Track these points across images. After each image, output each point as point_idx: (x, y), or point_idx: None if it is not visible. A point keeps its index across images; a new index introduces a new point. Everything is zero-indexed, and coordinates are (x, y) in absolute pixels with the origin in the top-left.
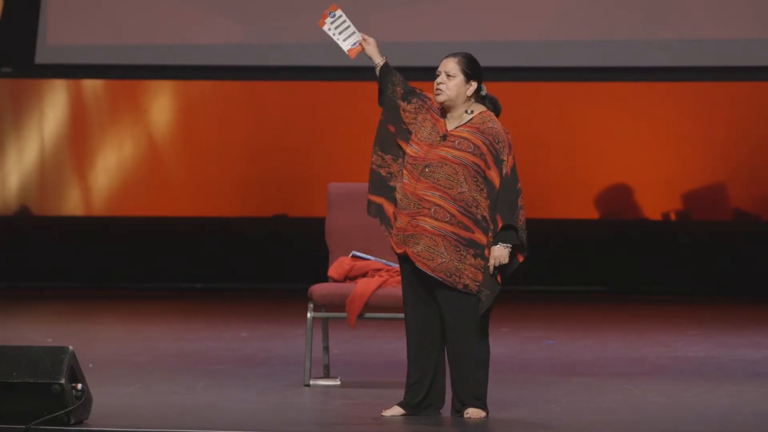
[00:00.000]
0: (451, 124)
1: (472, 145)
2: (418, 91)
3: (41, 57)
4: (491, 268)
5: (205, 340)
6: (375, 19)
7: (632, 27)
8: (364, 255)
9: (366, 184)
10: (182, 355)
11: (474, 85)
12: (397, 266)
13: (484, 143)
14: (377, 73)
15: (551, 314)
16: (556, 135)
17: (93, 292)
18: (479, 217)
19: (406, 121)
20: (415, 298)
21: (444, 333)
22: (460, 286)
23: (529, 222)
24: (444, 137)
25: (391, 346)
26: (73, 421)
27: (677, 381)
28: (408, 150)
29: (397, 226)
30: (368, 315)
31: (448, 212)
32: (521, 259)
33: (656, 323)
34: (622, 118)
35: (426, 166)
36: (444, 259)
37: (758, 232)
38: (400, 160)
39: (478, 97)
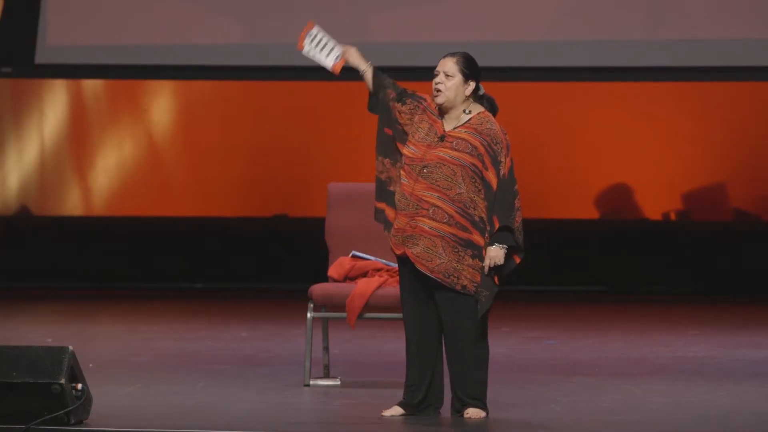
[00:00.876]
0: (448, 125)
1: (470, 146)
2: (410, 92)
3: (41, 57)
4: (486, 268)
5: (205, 340)
6: (375, 19)
7: (632, 27)
8: (364, 255)
9: (367, 185)
10: (182, 355)
11: (472, 84)
12: (397, 266)
13: (482, 144)
14: (366, 79)
15: (551, 314)
16: (556, 135)
17: (93, 292)
18: (477, 218)
19: (402, 122)
20: (414, 299)
21: (442, 333)
22: (458, 287)
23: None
24: (442, 138)
25: (391, 346)
26: (73, 421)
27: (677, 381)
28: (405, 151)
29: (396, 227)
30: (368, 315)
31: (447, 213)
32: (518, 260)
33: (656, 323)
34: (622, 118)
35: (424, 167)
36: (442, 260)
37: (758, 232)
38: (398, 164)
39: (476, 96)
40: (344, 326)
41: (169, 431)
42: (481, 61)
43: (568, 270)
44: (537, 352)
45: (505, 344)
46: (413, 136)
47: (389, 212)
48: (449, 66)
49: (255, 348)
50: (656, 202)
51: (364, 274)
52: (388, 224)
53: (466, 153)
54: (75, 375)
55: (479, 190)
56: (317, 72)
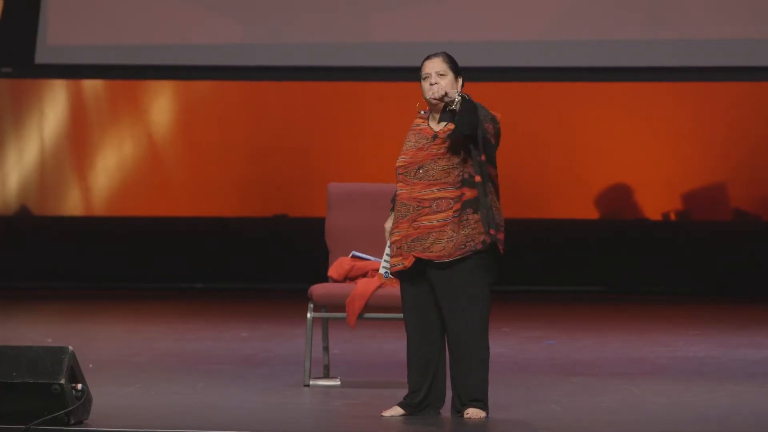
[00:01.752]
0: (438, 125)
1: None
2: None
3: (41, 57)
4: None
5: (205, 340)
6: (375, 19)
7: (632, 27)
8: (364, 255)
9: (367, 185)
10: (182, 355)
11: (461, 80)
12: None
13: None
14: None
15: (551, 314)
16: (556, 135)
17: (93, 292)
18: (466, 176)
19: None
20: (414, 300)
21: (443, 333)
22: (480, 246)
23: (530, 222)
24: (434, 137)
25: (391, 346)
26: (73, 421)
27: (677, 381)
28: (397, 163)
29: (396, 238)
30: (368, 315)
31: (450, 199)
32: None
33: (656, 323)
34: (622, 118)
35: (420, 168)
36: (454, 240)
37: (758, 232)
38: None
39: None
40: (344, 326)
41: (169, 431)
42: (481, 61)
43: (568, 270)
44: (537, 352)
45: (505, 344)
46: (404, 148)
47: None
48: (439, 65)
49: (255, 348)
50: (656, 202)
51: (364, 275)
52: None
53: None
54: (75, 375)
55: (461, 154)
56: (317, 72)
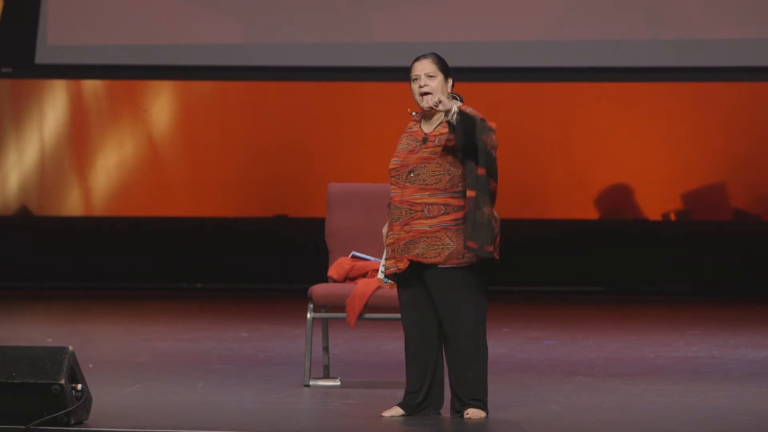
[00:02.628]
0: (429, 127)
1: (449, 136)
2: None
3: (41, 57)
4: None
5: (205, 340)
6: (375, 19)
7: (632, 27)
8: (364, 255)
9: (367, 185)
10: (182, 355)
11: (450, 81)
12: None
13: None
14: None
15: (551, 314)
16: (556, 135)
17: (93, 292)
18: (460, 188)
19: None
20: (411, 302)
21: (441, 334)
22: (476, 260)
23: (530, 222)
24: (425, 140)
25: (391, 346)
26: (73, 422)
27: (677, 381)
28: (390, 166)
29: (390, 241)
30: (368, 315)
31: (442, 205)
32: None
33: (656, 323)
34: (622, 118)
35: (410, 171)
36: (452, 248)
37: (758, 232)
38: None
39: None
40: (344, 326)
41: (169, 431)
42: (482, 62)
43: (568, 270)
44: (537, 352)
45: (505, 344)
46: (397, 151)
47: None
48: (428, 67)
49: (255, 348)
50: (656, 202)
51: (364, 275)
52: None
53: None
54: (75, 375)
55: (458, 166)
56: (317, 72)
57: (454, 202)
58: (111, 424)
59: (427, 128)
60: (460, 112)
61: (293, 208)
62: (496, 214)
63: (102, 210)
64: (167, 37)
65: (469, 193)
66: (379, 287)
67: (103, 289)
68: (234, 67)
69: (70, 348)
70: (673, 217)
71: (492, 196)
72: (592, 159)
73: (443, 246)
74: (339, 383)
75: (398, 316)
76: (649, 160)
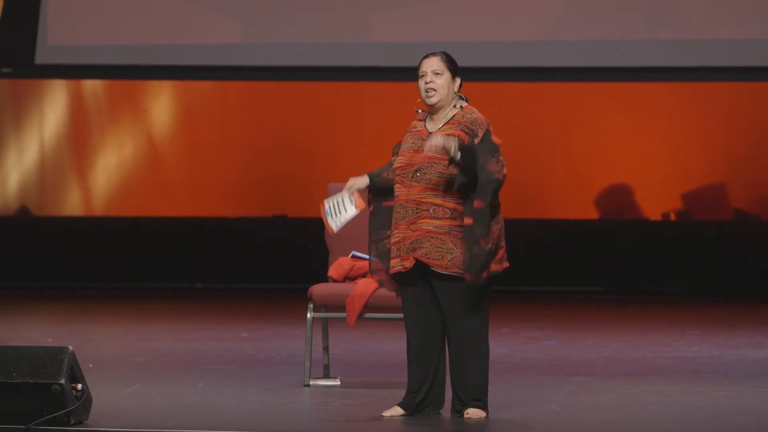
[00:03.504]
0: (434, 126)
1: (454, 138)
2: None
3: (41, 57)
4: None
5: (205, 340)
6: (375, 19)
7: (632, 27)
8: (364, 255)
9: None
10: (182, 355)
11: (458, 80)
12: None
13: (462, 131)
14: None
15: (551, 314)
16: (556, 135)
17: (93, 292)
18: (470, 201)
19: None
20: (414, 302)
21: (443, 334)
22: (483, 275)
23: (530, 222)
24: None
25: (391, 346)
26: (73, 422)
27: (677, 381)
28: (395, 164)
29: (395, 240)
30: (368, 315)
31: (448, 209)
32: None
33: (656, 323)
34: (622, 118)
35: (417, 171)
36: (455, 254)
37: (758, 232)
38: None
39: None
40: (344, 326)
41: (169, 431)
42: (482, 61)
43: (568, 270)
44: (537, 352)
45: (505, 344)
46: (400, 152)
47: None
48: (436, 64)
49: (255, 348)
50: (656, 202)
51: (364, 275)
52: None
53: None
54: (75, 375)
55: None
56: (317, 72)
57: (461, 208)
58: (111, 424)
59: (432, 126)
60: (462, 148)
61: (293, 208)
62: (500, 223)
63: (102, 210)
64: (167, 37)
65: (467, 221)
66: (379, 287)
67: (103, 289)
68: (234, 67)
69: (70, 348)
70: (673, 217)
71: (494, 214)
72: (593, 159)
73: (446, 250)
74: (339, 383)
75: (399, 316)
76: (649, 160)
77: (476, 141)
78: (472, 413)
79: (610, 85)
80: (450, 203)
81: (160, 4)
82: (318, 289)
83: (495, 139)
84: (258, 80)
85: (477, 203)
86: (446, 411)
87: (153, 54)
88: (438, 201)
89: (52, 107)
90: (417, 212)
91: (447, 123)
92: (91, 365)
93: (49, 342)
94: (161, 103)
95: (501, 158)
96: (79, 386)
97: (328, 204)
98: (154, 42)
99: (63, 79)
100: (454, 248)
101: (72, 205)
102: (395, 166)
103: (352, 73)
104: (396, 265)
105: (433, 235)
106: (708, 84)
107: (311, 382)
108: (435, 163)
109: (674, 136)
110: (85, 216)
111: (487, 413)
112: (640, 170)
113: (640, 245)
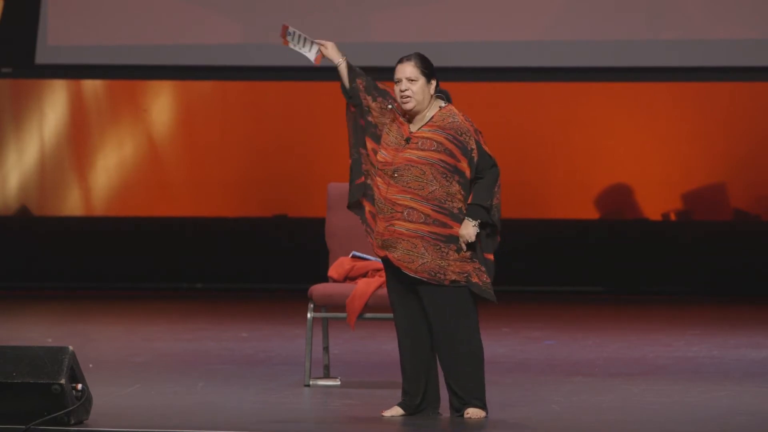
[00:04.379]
0: (414, 126)
1: (435, 143)
2: (382, 90)
3: (41, 57)
4: (463, 246)
5: (205, 340)
6: (375, 19)
7: (632, 27)
8: (364, 255)
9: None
10: (182, 355)
11: (434, 83)
12: None
13: (447, 139)
14: (341, 71)
15: (551, 314)
16: (556, 135)
17: (93, 292)
18: (455, 210)
19: (374, 115)
20: (401, 303)
21: (432, 336)
22: (447, 282)
23: (530, 222)
24: (408, 140)
25: (391, 346)
26: (73, 422)
27: (677, 381)
28: (378, 156)
29: (376, 231)
30: (368, 315)
31: (422, 213)
32: (498, 238)
33: (656, 323)
34: (622, 118)
35: (395, 171)
36: (425, 260)
37: (758, 232)
38: (371, 155)
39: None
40: (344, 326)
41: (169, 431)
42: (482, 61)
43: (568, 270)
44: (537, 352)
45: (505, 344)
46: (384, 141)
47: (367, 206)
48: (409, 70)
49: (255, 348)
50: (656, 202)
51: (364, 275)
52: (364, 218)
53: (432, 150)
54: (75, 375)
55: (452, 184)
56: (317, 72)
57: (436, 215)
58: (111, 424)
59: (412, 125)
60: (480, 223)
61: (293, 208)
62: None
63: (102, 210)
64: (167, 37)
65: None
66: (379, 287)
67: (103, 289)
68: (234, 67)
69: (70, 348)
70: (673, 217)
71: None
72: (593, 159)
73: (417, 254)
74: (339, 383)
75: None
76: (649, 160)
77: (475, 159)
78: (472, 413)
79: (610, 85)
80: (425, 208)
81: (160, 4)
82: (318, 289)
83: (488, 149)
84: (258, 80)
85: (487, 256)
86: (445, 410)
87: (153, 54)
88: (413, 204)
89: (52, 107)
90: (392, 212)
91: (426, 125)
92: (91, 365)
93: (49, 342)
94: (161, 103)
95: (499, 183)
96: (79, 386)
97: (297, 32)
98: (154, 42)
99: (63, 79)
100: (426, 253)
101: (72, 205)
102: (379, 158)
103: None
104: (376, 248)
105: (405, 238)
106: (708, 84)
107: (311, 382)
108: (412, 166)
109: (674, 136)
110: (85, 216)
111: (487, 412)
112: (640, 170)
113: (640, 245)
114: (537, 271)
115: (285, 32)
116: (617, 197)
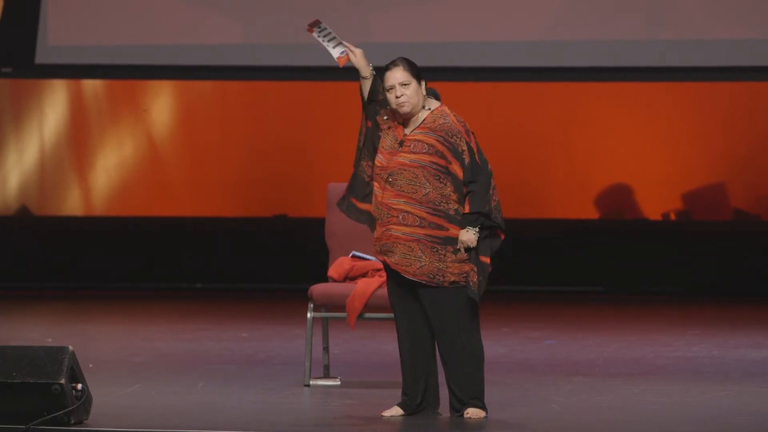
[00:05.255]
0: (408, 129)
1: (426, 146)
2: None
3: (41, 57)
4: (461, 251)
5: (205, 340)
6: (375, 19)
7: (632, 27)
8: (364, 255)
9: None
10: (182, 355)
11: (423, 83)
12: None
13: (438, 141)
14: (364, 84)
15: (551, 314)
16: (556, 135)
17: (93, 292)
18: (451, 212)
19: (381, 129)
20: (401, 306)
21: (433, 336)
22: (446, 284)
23: (530, 222)
24: (401, 143)
25: (391, 346)
26: (73, 421)
27: (677, 381)
28: (376, 161)
29: (375, 236)
30: (368, 315)
31: (417, 216)
32: (502, 236)
33: (656, 323)
34: (622, 118)
35: (389, 175)
36: (423, 263)
37: (758, 232)
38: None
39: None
40: (344, 326)
41: (169, 431)
42: (482, 61)
43: (568, 270)
44: (537, 352)
45: (505, 344)
46: (381, 145)
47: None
48: (401, 75)
49: (255, 348)
50: (656, 202)
51: (364, 275)
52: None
53: (423, 153)
54: (75, 375)
55: (446, 185)
56: (317, 72)
57: (432, 218)
58: (111, 424)
59: (406, 129)
60: (480, 229)
61: (293, 208)
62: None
63: (102, 210)
64: (167, 37)
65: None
66: (379, 287)
67: (103, 289)
68: (234, 67)
69: (70, 348)
70: (673, 217)
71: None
72: (593, 159)
73: (415, 258)
74: (339, 383)
75: None
76: (649, 160)
77: (466, 160)
78: (472, 413)
79: (610, 85)
80: (420, 211)
81: (160, 4)
82: (318, 289)
83: (479, 150)
84: (258, 80)
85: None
86: (445, 410)
87: (153, 54)
88: (407, 208)
89: (52, 107)
90: (388, 217)
91: (418, 127)
92: (91, 365)
93: (49, 342)
94: (161, 103)
95: (493, 184)
96: (79, 386)
97: (327, 28)
98: (154, 42)
99: (63, 79)
100: (423, 257)
101: (72, 205)
102: (376, 163)
103: (352, 73)
104: (376, 254)
105: (401, 242)
106: (708, 84)
107: (311, 382)
108: (405, 170)
109: (674, 136)
110: (85, 216)
111: (487, 412)
112: (640, 170)
113: (640, 245)
114: (537, 271)
115: (315, 24)
116: (617, 197)
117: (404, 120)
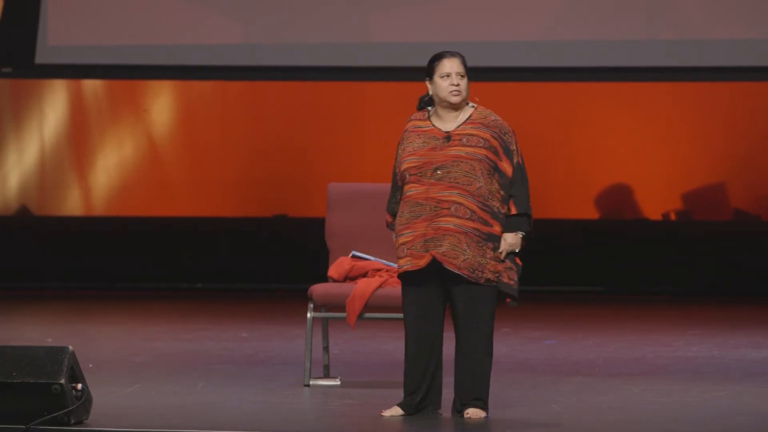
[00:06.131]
0: (448, 125)
1: (481, 140)
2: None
3: (41, 57)
4: (503, 254)
5: (205, 340)
6: (375, 19)
7: (632, 27)
8: (364, 255)
9: (367, 185)
10: (182, 355)
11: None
12: (396, 266)
13: (492, 136)
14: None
15: (551, 314)
16: (556, 135)
17: (93, 292)
18: (496, 210)
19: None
20: (417, 302)
21: (441, 335)
22: (482, 281)
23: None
24: (448, 138)
25: (391, 346)
26: (73, 421)
27: (677, 381)
28: (405, 165)
29: (415, 234)
30: (368, 315)
31: (469, 209)
32: (524, 243)
33: (656, 323)
34: (622, 118)
35: (437, 169)
36: (467, 256)
37: (758, 232)
38: None
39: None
40: (344, 326)
41: (169, 431)
42: (482, 61)
43: (568, 270)
44: (537, 352)
45: (505, 344)
46: (408, 151)
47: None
48: (459, 66)
49: (255, 348)
50: (656, 202)
51: (364, 275)
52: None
53: (480, 147)
54: (75, 375)
55: (493, 182)
56: (317, 72)
57: (480, 213)
58: (111, 424)
59: (443, 125)
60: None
61: (293, 208)
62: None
63: (102, 210)
64: (167, 37)
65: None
66: (379, 287)
67: (103, 289)
68: (234, 67)
69: (70, 348)
70: (673, 217)
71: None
72: (593, 159)
73: (461, 250)
74: (339, 383)
75: (399, 316)
76: (649, 160)
77: (515, 159)
78: (472, 413)
79: (610, 85)
80: (472, 204)
81: (160, 4)
82: (318, 289)
83: (519, 149)
84: (258, 80)
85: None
86: (445, 410)
87: (153, 54)
88: (461, 200)
89: (52, 107)
90: (436, 210)
91: (466, 122)
92: (91, 365)
93: (49, 342)
94: (161, 103)
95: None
96: (79, 386)
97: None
98: (154, 42)
99: (63, 79)
100: (467, 250)
101: (72, 205)
102: (409, 165)
103: (352, 73)
104: (405, 264)
105: (452, 233)
106: (708, 84)
107: (311, 382)
108: (461, 162)
109: (674, 136)
110: (85, 216)
111: (487, 413)
112: (640, 170)
113: (640, 245)
114: (537, 271)
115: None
116: (617, 197)
117: (443, 112)
